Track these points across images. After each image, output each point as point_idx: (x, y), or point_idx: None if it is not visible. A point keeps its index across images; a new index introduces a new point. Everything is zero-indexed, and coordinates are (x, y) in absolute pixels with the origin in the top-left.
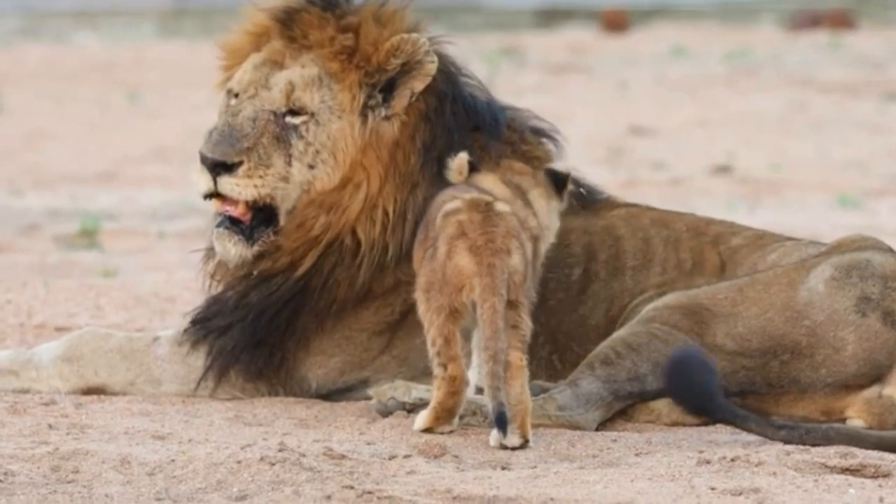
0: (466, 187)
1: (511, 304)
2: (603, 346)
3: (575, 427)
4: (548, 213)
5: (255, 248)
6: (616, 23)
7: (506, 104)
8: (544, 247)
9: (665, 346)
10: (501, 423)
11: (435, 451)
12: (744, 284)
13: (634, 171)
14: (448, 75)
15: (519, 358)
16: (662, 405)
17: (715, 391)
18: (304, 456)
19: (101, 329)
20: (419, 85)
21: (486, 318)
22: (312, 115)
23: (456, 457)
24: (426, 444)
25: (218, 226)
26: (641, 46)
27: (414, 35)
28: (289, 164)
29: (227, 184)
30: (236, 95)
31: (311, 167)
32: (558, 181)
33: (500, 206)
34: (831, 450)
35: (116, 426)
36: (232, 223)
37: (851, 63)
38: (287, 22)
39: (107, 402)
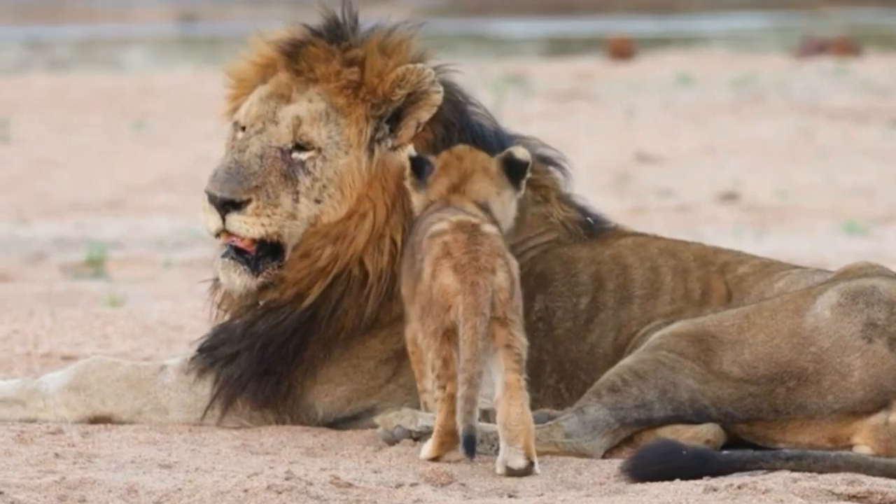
0: (454, 209)
1: (501, 322)
2: (610, 374)
3: (581, 454)
4: (501, 206)
5: (260, 279)
6: (622, 50)
7: (513, 133)
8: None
9: (671, 373)
10: (469, 446)
11: (442, 479)
12: (750, 311)
13: (641, 198)
14: (455, 104)
15: (516, 379)
16: (669, 432)
17: (705, 451)
18: (311, 484)
19: (108, 358)
20: (425, 115)
21: (467, 339)
22: (319, 150)
23: (463, 485)
24: (433, 472)
25: (223, 256)
26: (648, 74)
27: (419, 65)
28: (296, 200)
29: (235, 221)
30: (243, 129)
31: (318, 202)
32: (515, 168)
33: (487, 228)
34: (838, 477)
35: (123, 455)
36: (237, 253)
37: (858, 90)
38: (293, 55)
39: (113, 431)
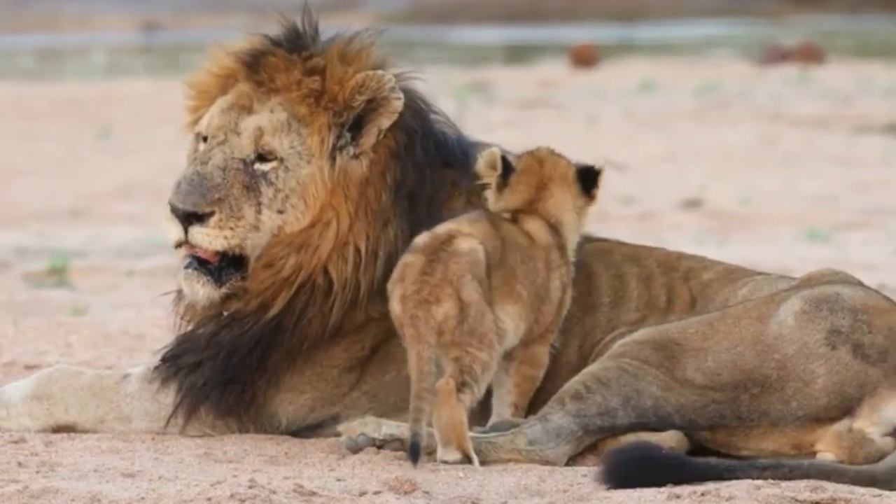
0: (472, 216)
1: (453, 343)
2: (573, 381)
3: (545, 462)
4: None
5: (223, 290)
6: (585, 58)
7: (475, 139)
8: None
9: (635, 380)
10: (415, 451)
11: (405, 486)
12: (714, 319)
13: (604, 205)
14: (417, 111)
15: (445, 383)
16: (632, 440)
17: (682, 459)
18: (274, 493)
19: (71, 367)
20: (386, 122)
21: (412, 364)
22: (281, 160)
23: (426, 493)
24: (396, 480)
25: (186, 267)
26: (611, 81)
27: (379, 72)
28: (259, 212)
29: (198, 234)
30: (205, 139)
31: (281, 212)
32: (589, 178)
33: (460, 245)
34: (802, 484)
35: (86, 464)
36: (200, 265)
37: (820, 97)
38: (253, 65)
39: (76, 440)
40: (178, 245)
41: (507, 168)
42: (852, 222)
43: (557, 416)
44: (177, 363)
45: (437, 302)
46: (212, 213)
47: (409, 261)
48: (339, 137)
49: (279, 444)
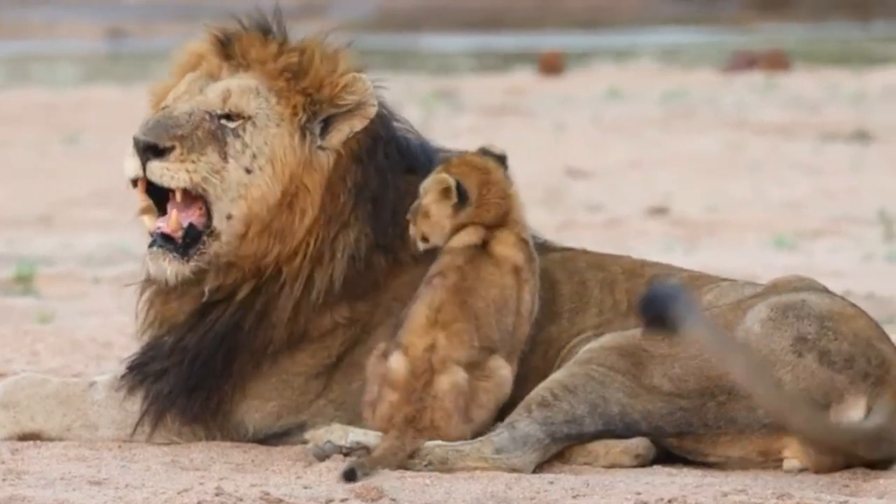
0: (433, 295)
1: None
2: (540, 388)
3: (512, 470)
4: None
5: (191, 263)
6: (552, 65)
7: (438, 146)
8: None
9: (602, 387)
10: (349, 475)
11: (372, 494)
12: None
13: (571, 212)
14: (381, 117)
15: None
16: (599, 447)
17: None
18: (241, 500)
19: (38, 375)
20: (359, 124)
21: (380, 449)
22: (249, 118)
23: (393, 500)
24: (363, 487)
25: (151, 246)
26: (578, 88)
27: (364, 76)
28: (224, 159)
29: (157, 169)
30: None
31: (249, 172)
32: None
33: (440, 384)
34: (768, 490)
35: (53, 472)
36: (165, 241)
37: (787, 104)
38: (225, 42)
39: (43, 448)
40: (135, 182)
41: (461, 195)
42: (819, 229)
43: (524, 423)
44: (143, 371)
45: (427, 437)
46: (172, 148)
47: (394, 401)
48: (308, 122)
49: (246, 452)
